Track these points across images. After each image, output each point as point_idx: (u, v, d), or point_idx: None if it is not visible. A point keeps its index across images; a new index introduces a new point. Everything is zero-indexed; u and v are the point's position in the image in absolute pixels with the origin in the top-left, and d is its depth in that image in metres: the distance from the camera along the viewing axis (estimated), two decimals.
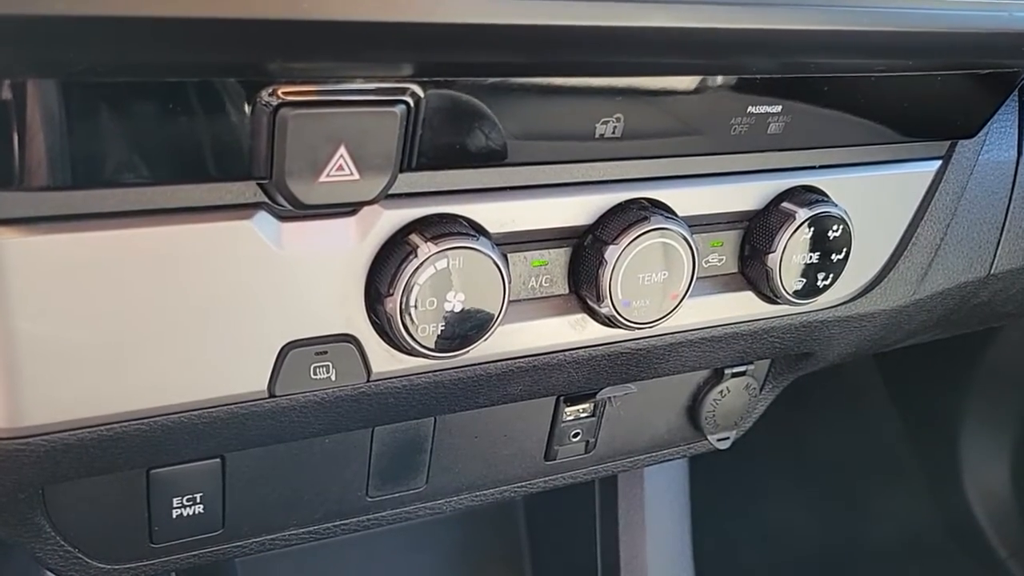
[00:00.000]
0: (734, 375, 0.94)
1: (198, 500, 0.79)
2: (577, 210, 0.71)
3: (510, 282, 0.67)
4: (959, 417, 2.05)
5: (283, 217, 0.61)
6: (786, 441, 2.05)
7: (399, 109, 0.57)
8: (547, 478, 0.96)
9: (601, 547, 1.16)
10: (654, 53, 0.62)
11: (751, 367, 0.95)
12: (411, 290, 0.63)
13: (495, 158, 0.64)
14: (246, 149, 0.56)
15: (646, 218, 0.71)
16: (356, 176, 0.59)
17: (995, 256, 0.96)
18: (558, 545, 1.27)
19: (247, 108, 0.54)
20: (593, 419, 0.92)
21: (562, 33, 0.57)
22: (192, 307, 0.61)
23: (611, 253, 0.70)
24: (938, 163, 0.87)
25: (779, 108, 0.72)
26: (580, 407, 0.90)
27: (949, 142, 0.87)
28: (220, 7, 0.48)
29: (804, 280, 0.79)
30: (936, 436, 2.08)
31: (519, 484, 0.95)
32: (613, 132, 0.67)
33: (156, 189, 0.57)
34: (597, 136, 0.67)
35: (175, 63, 0.51)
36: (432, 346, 0.65)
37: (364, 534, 1.26)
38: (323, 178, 0.58)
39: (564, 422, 0.90)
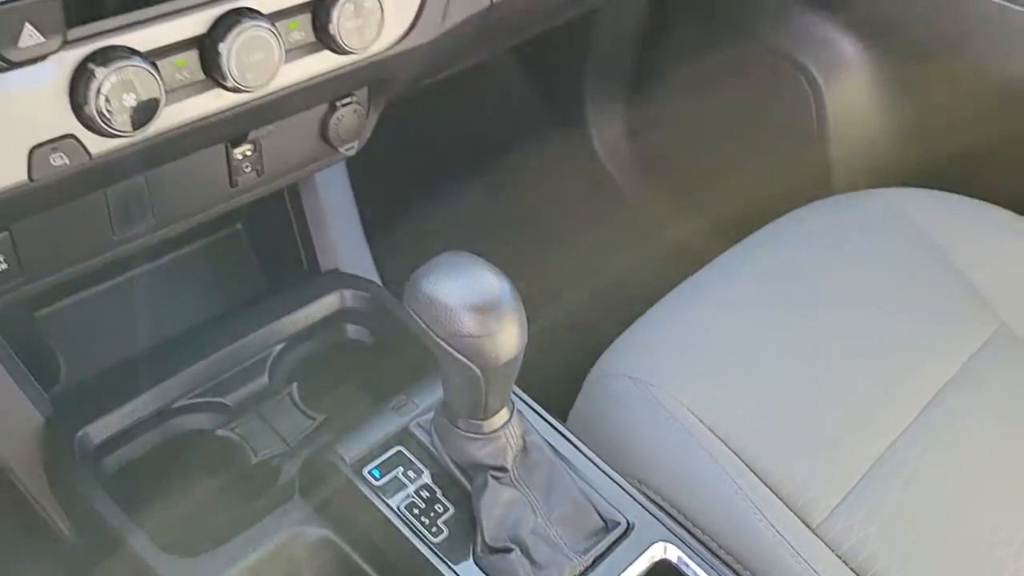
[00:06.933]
0: (343, 104, 1.42)
1: (2, 261, 1.21)
2: (197, 22, 1.13)
3: (162, 79, 1.10)
4: (583, 94, 2.65)
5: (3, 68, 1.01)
6: (457, 134, 2.60)
7: None
8: (238, 197, 1.43)
9: (300, 236, 1.67)
10: None
11: (354, 97, 1.43)
12: (99, 98, 1.05)
13: (136, 5, 1.06)
14: None
15: (240, 21, 1.14)
16: (42, 39, 0.98)
17: None
18: (273, 248, 1.77)
19: None
20: (256, 153, 1.38)
21: None
22: None
23: (223, 47, 1.14)
24: None
25: None
26: (243, 148, 1.36)
27: None
28: None
29: (359, 36, 1.25)
30: (568, 111, 2.68)
31: (221, 203, 1.41)
32: None
33: None
34: None
35: None
36: (123, 128, 1.08)
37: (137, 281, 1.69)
38: (20, 44, 0.97)
39: (235, 160, 1.36)
